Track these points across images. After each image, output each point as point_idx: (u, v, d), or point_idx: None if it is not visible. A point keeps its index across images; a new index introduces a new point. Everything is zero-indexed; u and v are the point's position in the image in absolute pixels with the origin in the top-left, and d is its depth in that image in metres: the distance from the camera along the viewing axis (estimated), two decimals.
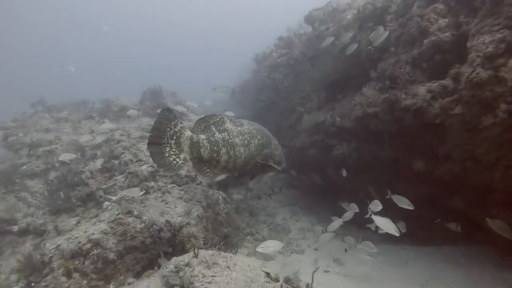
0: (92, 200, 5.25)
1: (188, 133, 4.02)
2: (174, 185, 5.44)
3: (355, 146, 6.92)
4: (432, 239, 7.02)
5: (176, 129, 3.91)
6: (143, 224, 4.27)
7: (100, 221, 4.45)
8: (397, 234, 4.00)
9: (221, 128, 4.36)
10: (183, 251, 4.35)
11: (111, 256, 4.08)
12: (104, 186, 5.30)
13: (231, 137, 4.36)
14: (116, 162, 5.67)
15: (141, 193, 4.78)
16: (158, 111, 9.05)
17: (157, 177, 5.59)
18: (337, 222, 5.33)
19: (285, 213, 8.76)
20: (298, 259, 5.75)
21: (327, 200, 9.13)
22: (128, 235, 4.22)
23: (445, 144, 4.52)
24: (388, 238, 7.49)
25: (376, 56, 5.98)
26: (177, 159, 3.88)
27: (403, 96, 4.67)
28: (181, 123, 3.98)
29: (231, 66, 16.18)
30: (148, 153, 5.79)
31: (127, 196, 4.68)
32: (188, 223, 4.48)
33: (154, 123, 3.81)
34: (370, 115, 5.74)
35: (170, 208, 4.63)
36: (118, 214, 4.39)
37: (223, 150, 4.25)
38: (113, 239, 4.18)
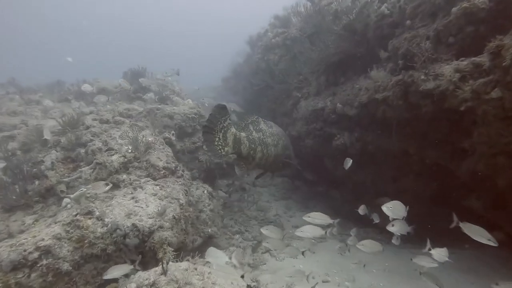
0: (53, 196, 4.46)
1: (233, 129, 4.45)
2: (149, 179, 4.66)
3: (358, 136, 6.17)
4: (440, 240, 6.40)
5: (225, 124, 4.34)
6: (105, 228, 3.50)
7: (55, 223, 3.67)
8: (496, 245, 3.02)
9: (257, 128, 4.91)
10: (155, 259, 3.61)
11: (65, 266, 3.33)
12: (66, 179, 4.50)
13: (265, 137, 4.92)
14: (82, 151, 4.86)
15: (107, 188, 3.98)
16: (146, 96, 8.15)
17: (130, 169, 4.81)
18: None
19: (278, 207, 8.05)
20: (292, 264, 5.05)
21: (323, 194, 8.44)
22: (86, 241, 3.46)
23: (471, 136, 3.78)
24: (391, 238, 6.84)
25: (386, 33, 5.18)
26: (222, 150, 4.35)
27: (422, 77, 3.89)
28: (229, 119, 4.38)
29: (226, 52, 15.21)
30: (120, 141, 5.00)
31: (89, 193, 3.90)
32: (161, 227, 3.71)
33: (209, 115, 4.26)
34: (378, 101, 4.97)
35: (141, 207, 3.85)
36: (76, 215, 3.61)
37: (259, 149, 4.77)
38: (68, 246, 3.42)
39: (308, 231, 3.99)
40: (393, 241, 4.12)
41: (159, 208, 3.85)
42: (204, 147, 4.29)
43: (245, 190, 8.66)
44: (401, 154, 5.70)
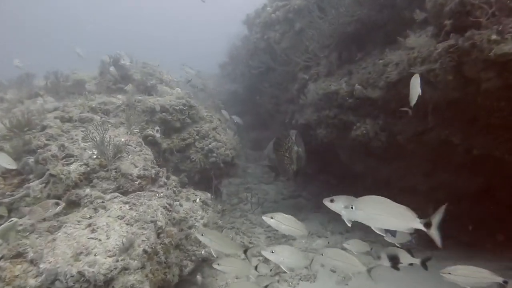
0: None
1: (296, 147, 4.65)
2: (118, 194, 3.55)
3: (383, 124, 5.00)
4: (483, 244, 5.29)
5: (289, 144, 4.60)
6: (38, 280, 2.40)
7: None
8: None
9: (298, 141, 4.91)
10: None
11: None
12: (7, 199, 3.40)
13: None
14: (32, 160, 3.74)
15: (57, 208, 2.84)
16: (127, 87, 6.98)
17: (94, 180, 3.69)
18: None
19: (287, 209, 6.95)
20: None
21: (338, 191, 7.32)
22: None
23: None
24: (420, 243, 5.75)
25: None
26: (289, 169, 4.61)
27: (493, 37, 2.69)
28: (292, 139, 4.63)
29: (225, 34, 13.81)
30: (83, 144, 3.88)
31: (21, 224, 2.79)
32: (125, 268, 2.61)
33: (276, 138, 4.74)
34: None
35: (98, 240, 2.75)
36: (0, 259, 2.51)
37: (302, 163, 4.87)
38: None
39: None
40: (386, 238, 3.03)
41: (124, 240, 2.74)
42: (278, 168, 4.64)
43: (249, 190, 7.57)
44: (438, 144, 4.54)
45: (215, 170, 6.05)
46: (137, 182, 3.82)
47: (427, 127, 4.41)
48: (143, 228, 3.03)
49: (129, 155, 4.13)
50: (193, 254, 4.04)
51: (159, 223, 3.26)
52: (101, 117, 5.05)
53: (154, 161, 4.46)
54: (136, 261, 2.68)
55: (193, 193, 5.10)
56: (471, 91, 3.41)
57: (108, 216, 3.07)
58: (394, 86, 4.40)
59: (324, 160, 7.55)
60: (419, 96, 3.20)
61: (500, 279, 2.25)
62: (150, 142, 5.52)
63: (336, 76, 5.72)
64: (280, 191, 7.90)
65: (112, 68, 7.10)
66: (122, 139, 4.29)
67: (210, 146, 5.93)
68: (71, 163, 3.69)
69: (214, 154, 5.93)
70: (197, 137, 6.04)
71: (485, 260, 4.75)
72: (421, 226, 1.75)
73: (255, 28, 9.02)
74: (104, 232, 2.84)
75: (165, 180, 4.29)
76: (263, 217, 2.74)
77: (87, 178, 3.67)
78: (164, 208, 3.50)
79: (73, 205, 3.43)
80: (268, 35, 7.89)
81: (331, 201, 2.25)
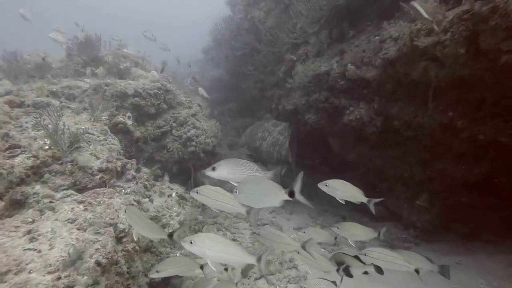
0: None
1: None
2: (73, 191, 2.99)
3: (377, 107, 4.55)
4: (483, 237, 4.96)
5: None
6: None
7: None
8: None
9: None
10: None
11: None
12: None
13: None
14: None
15: None
16: (98, 70, 6.31)
17: (45, 175, 3.12)
18: None
19: None
20: None
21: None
22: None
23: None
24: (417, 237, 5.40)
25: None
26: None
27: None
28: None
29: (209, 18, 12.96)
30: (34, 133, 3.29)
31: None
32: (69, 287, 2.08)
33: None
34: (417, 52, 3.31)
35: (36, 251, 2.20)
36: None
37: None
38: None
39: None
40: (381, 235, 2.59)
41: (72, 250, 2.20)
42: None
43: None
44: (438, 129, 4.12)
45: (195, 160, 5.51)
46: (98, 177, 3.26)
47: (428, 110, 3.98)
48: (98, 233, 2.49)
49: (90, 145, 3.55)
50: (167, 256, 3.54)
51: (121, 226, 2.73)
52: (61, 102, 4.42)
53: (122, 151, 3.89)
54: (85, 277, 2.15)
55: (168, 187, 4.57)
56: (483, 68, 2.96)
57: (56, 220, 2.52)
58: (392, 64, 3.92)
59: (313, 147, 7.11)
60: (420, 76, 2.73)
61: (412, 267, 2.10)
62: (121, 130, 4.93)
63: (326, 56, 5.22)
64: None
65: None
66: (83, 127, 3.70)
67: (188, 134, 5.38)
68: (17, 155, 3.10)
69: (193, 143, 5.39)
70: (174, 124, 5.47)
71: (488, 254, 4.43)
72: (287, 196, 1.80)
73: (238, 7, 8.38)
74: (47, 241, 2.30)
75: (134, 173, 3.75)
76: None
77: (36, 173, 3.09)
78: (127, 206, 2.96)
79: (18, 205, 2.86)
80: (252, 14, 7.28)
81: (213, 169, 2.11)
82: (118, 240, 2.68)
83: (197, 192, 2.03)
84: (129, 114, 5.08)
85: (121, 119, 4.93)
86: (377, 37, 4.23)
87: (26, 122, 3.59)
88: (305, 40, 5.54)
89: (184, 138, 5.38)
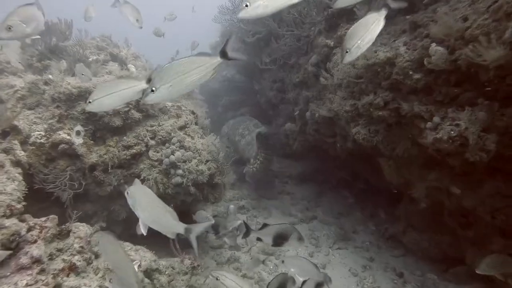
0: None
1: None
2: None
3: (486, 118, 2.58)
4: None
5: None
6: None
7: None
8: None
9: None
10: None
11: None
12: None
13: None
14: None
15: None
16: (62, 62, 4.66)
17: None
18: None
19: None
20: None
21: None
22: None
23: None
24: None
25: None
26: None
27: None
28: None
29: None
30: None
31: None
32: None
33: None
34: None
35: None
36: None
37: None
38: None
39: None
40: None
41: None
42: None
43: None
44: None
45: (183, 196, 3.66)
46: None
47: None
48: None
49: None
50: None
51: None
52: None
53: (21, 205, 2.08)
54: None
55: (135, 251, 2.74)
56: None
57: None
58: None
59: (350, 171, 5.24)
60: None
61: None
62: (65, 153, 3.17)
63: (387, 36, 3.29)
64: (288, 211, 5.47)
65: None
66: None
67: (172, 157, 3.54)
68: None
69: (180, 171, 3.55)
70: (152, 142, 3.65)
71: None
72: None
73: None
74: None
75: (38, 253, 1.91)
76: None
77: None
78: None
79: None
80: None
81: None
82: None
83: None
84: (79, 127, 3.29)
85: (64, 135, 3.16)
86: None
87: None
88: (347, 14, 3.62)
89: (166, 163, 3.55)
